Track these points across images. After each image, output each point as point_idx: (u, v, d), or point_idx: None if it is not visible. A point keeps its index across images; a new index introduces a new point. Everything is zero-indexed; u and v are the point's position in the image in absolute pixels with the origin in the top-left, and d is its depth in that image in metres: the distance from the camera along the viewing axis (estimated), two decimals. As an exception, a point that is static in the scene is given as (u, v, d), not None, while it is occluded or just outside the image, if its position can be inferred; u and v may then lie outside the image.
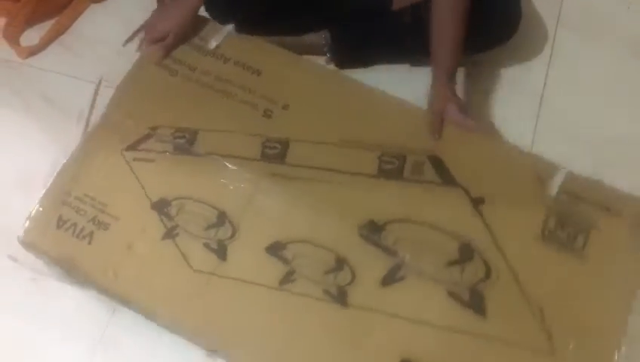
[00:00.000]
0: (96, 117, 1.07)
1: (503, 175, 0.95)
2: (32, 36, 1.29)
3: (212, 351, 0.93)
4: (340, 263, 0.90)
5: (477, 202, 0.92)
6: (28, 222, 0.96)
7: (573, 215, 0.91)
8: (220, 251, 0.92)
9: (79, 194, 0.96)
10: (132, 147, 0.99)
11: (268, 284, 0.90)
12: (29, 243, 0.96)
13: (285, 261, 0.91)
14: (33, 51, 1.27)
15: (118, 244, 0.94)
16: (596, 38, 1.24)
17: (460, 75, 1.12)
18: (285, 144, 0.98)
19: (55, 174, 0.98)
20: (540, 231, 0.90)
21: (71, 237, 0.94)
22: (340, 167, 0.95)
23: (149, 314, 0.94)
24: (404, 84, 1.07)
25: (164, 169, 0.97)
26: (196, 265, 0.92)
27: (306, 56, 1.10)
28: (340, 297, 0.89)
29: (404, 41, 1.15)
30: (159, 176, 0.97)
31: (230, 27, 1.08)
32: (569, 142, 1.14)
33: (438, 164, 0.96)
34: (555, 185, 0.93)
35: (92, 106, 1.15)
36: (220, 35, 1.07)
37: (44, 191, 0.96)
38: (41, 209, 0.96)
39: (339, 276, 0.90)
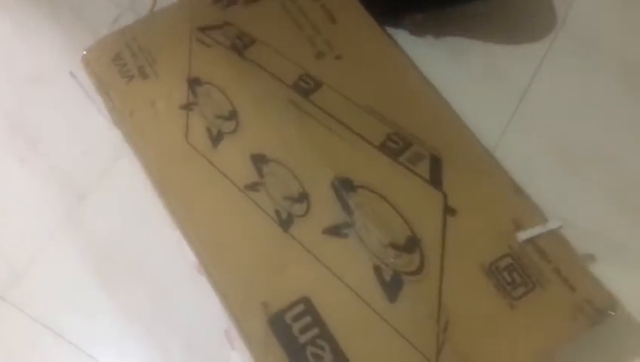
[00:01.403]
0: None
1: (487, 203, 0.96)
2: None
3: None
4: (302, 197, 0.96)
5: (448, 211, 0.94)
6: (94, 44, 1.11)
7: (529, 266, 0.90)
8: (216, 139, 1.02)
9: (141, 43, 1.10)
10: (202, 29, 1.11)
11: (236, 183, 0.98)
12: (87, 61, 1.11)
13: (260, 173, 0.98)
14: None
15: (146, 95, 1.06)
16: (592, 52, 1.22)
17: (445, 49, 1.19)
18: (319, 85, 1.05)
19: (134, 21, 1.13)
20: (489, 263, 0.90)
21: (116, 73, 1.09)
22: (352, 125, 1.01)
23: (141, 163, 1.05)
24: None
25: (213, 57, 1.08)
26: (191, 141, 1.02)
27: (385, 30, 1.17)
28: (286, 223, 0.95)
29: None
30: (206, 59, 1.08)
31: None
32: (538, 144, 1.14)
33: (435, 164, 0.98)
34: (528, 234, 0.92)
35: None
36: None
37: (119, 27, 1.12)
38: (109, 38, 1.12)
39: (295, 206, 0.95)
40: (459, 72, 1.22)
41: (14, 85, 1.27)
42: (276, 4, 1.14)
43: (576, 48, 1.24)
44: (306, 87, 1.05)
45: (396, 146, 0.99)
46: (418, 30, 1.25)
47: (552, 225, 0.93)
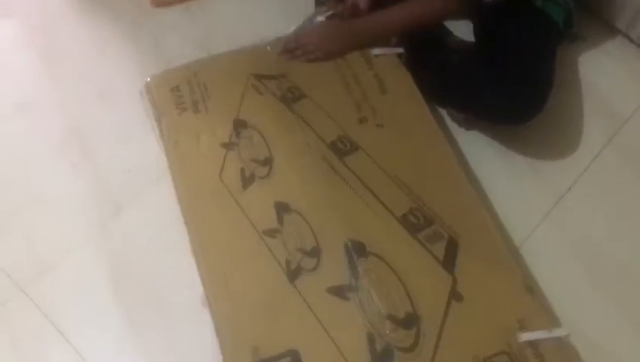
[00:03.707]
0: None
1: (495, 296, 0.95)
2: None
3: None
4: (315, 252, 0.98)
5: (455, 296, 0.94)
6: (159, 73, 1.20)
7: (525, 369, 0.88)
8: (247, 181, 1.07)
9: (201, 79, 1.18)
10: (259, 77, 1.18)
11: (256, 226, 1.02)
12: (148, 87, 1.20)
13: (280, 221, 1.02)
14: (162, 4, 1.48)
15: (193, 128, 1.13)
16: (635, 172, 1.22)
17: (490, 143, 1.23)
18: (355, 148, 1.08)
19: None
20: (483, 358, 0.89)
21: (172, 103, 1.16)
22: (378, 192, 1.03)
23: (175, 191, 1.11)
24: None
25: (262, 104, 1.14)
26: (224, 178, 1.07)
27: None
28: (294, 274, 0.97)
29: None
30: (256, 106, 1.14)
31: (399, 50, 1.22)
32: (566, 248, 1.13)
33: (452, 247, 0.99)
34: (531, 336, 0.91)
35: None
36: (385, 50, 1.22)
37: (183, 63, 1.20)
38: (173, 70, 1.20)
39: (306, 259, 0.98)
40: (502, 166, 1.24)
41: (82, 94, 1.37)
42: (333, 66, 1.20)
43: (619, 166, 1.24)
44: (343, 148, 1.08)
45: (417, 222, 1.01)
46: (463, 123, 1.27)
47: (557, 332, 0.91)
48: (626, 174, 1.23)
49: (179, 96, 1.16)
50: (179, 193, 1.09)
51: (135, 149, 1.26)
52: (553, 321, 0.96)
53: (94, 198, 1.22)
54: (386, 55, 1.22)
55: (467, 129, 1.29)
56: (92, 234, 1.18)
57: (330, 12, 1.27)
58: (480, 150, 1.25)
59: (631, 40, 1.40)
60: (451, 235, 0.99)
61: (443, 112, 1.30)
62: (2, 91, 1.38)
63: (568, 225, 1.17)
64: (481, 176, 1.21)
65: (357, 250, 0.97)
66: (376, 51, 1.21)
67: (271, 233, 1.01)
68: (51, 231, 1.18)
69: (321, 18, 1.28)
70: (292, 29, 1.32)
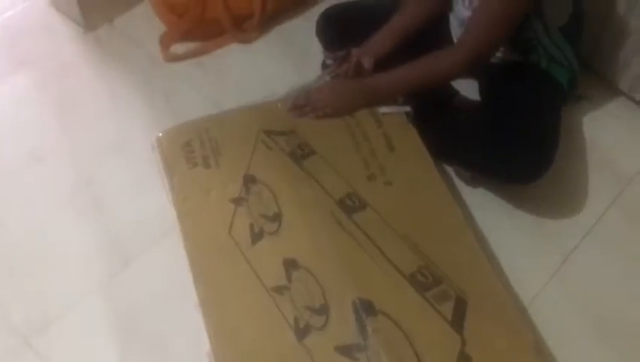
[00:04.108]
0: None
1: (506, 358, 0.95)
2: (180, 48, 1.56)
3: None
4: (323, 309, 0.98)
5: (464, 357, 0.93)
6: (171, 128, 1.22)
7: None
8: (256, 237, 1.07)
9: (212, 135, 1.20)
10: (268, 133, 1.20)
11: (265, 283, 1.02)
12: (160, 142, 1.22)
13: (289, 278, 1.02)
14: (175, 58, 1.53)
15: (203, 183, 1.14)
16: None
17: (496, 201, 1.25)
18: (363, 205, 1.09)
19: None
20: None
21: (182, 158, 1.18)
22: (386, 250, 1.04)
23: (184, 245, 1.12)
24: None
25: (272, 160, 1.16)
26: (233, 233, 1.08)
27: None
28: (302, 332, 0.97)
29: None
30: (266, 161, 1.16)
31: (407, 108, 1.24)
32: (575, 307, 1.13)
33: (460, 307, 0.98)
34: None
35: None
36: (393, 109, 1.24)
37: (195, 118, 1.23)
38: (185, 126, 1.22)
39: (314, 317, 0.97)
40: (509, 224, 1.25)
41: (94, 146, 1.39)
42: (341, 123, 1.22)
43: (625, 226, 1.25)
44: (351, 205, 1.09)
45: (425, 281, 1.01)
46: (470, 182, 1.29)
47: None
48: (632, 234, 1.24)
49: (190, 151, 1.18)
50: (188, 247, 1.10)
51: (145, 202, 1.28)
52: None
53: (103, 250, 1.22)
54: (394, 113, 1.24)
55: (474, 187, 1.30)
56: (100, 288, 1.17)
57: (336, 72, 1.30)
58: (487, 208, 1.26)
59: (634, 101, 1.43)
60: (459, 295, 0.99)
61: (450, 170, 1.31)
62: (15, 141, 1.40)
63: (576, 284, 1.17)
64: (488, 234, 1.22)
65: (365, 309, 0.96)
66: (384, 109, 1.23)
67: (279, 290, 1.01)
68: (59, 284, 1.18)
69: (327, 77, 1.31)
70: (295, 87, 1.35)
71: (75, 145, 1.39)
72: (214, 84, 1.52)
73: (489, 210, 1.26)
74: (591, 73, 1.45)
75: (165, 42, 1.55)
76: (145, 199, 1.28)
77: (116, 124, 1.42)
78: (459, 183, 1.31)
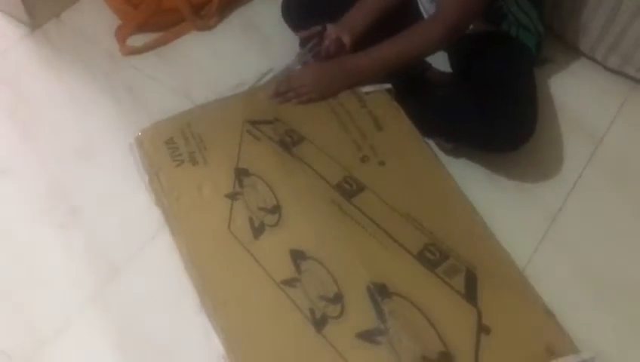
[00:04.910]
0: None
1: (521, 324, 0.97)
2: (137, 40, 1.48)
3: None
4: (337, 298, 0.97)
5: (483, 329, 0.94)
6: (150, 126, 1.16)
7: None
8: (258, 230, 1.04)
9: (194, 130, 1.15)
10: (254, 123, 1.16)
11: (274, 277, 0.99)
12: (140, 141, 1.16)
13: (298, 269, 1.00)
14: (134, 51, 1.45)
15: (193, 180, 1.10)
16: (620, 184, 1.29)
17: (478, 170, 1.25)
18: (361, 188, 1.08)
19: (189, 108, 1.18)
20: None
21: (168, 156, 1.13)
22: (391, 231, 1.03)
23: (180, 247, 1.07)
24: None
25: (261, 150, 1.13)
26: (234, 230, 1.05)
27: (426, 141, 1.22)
28: (320, 323, 0.95)
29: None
30: (255, 152, 1.12)
31: (388, 86, 1.23)
32: (567, 267, 1.16)
33: (471, 279, 1.00)
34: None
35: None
36: (375, 87, 1.23)
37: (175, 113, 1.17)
38: (164, 122, 1.17)
39: (330, 307, 0.96)
40: (493, 192, 1.26)
41: (61, 152, 1.31)
42: (326, 106, 1.20)
43: (604, 180, 1.29)
44: (349, 189, 1.08)
45: (433, 257, 1.01)
46: (452, 152, 1.30)
47: (585, 354, 0.93)
48: (611, 191, 1.28)
49: (174, 148, 1.13)
50: (184, 249, 1.06)
51: (125, 206, 1.21)
52: (573, 344, 0.97)
53: (88, 262, 1.16)
54: (377, 91, 1.22)
55: (455, 157, 1.31)
56: (90, 303, 1.11)
57: (316, 50, 1.27)
58: (470, 177, 1.27)
59: (596, 61, 1.47)
60: (468, 267, 1.00)
61: (430, 141, 1.32)
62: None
63: (566, 245, 1.20)
64: (474, 203, 1.23)
65: (380, 292, 0.96)
66: (366, 88, 1.22)
67: (290, 282, 0.99)
68: (47, 304, 1.10)
69: (309, 55, 1.28)
70: (275, 70, 1.32)
71: (40, 154, 1.30)
72: (179, 75, 1.45)
73: (472, 179, 1.27)
74: (552, 36, 1.48)
75: (121, 35, 1.47)
76: (124, 203, 1.22)
77: (81, 126, 1.34)
78: (440, 154, 1.31)
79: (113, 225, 1.20)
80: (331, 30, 1.25)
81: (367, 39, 1.26)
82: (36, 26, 1.50)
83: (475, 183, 1.26)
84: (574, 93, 1.44)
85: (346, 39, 1.24)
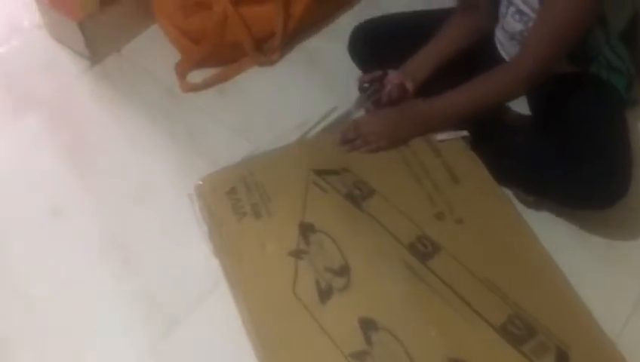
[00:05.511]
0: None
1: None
2: (197, 75, 1.43)
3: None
4: (412, 377, 0.88)
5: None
6: (211, 174, 1.10)
7: None
8: (325, 294, 0.96)
9: (257, 179, 1.08)
10: (320, 173, 1.09)
11: (342, 348, 0.91)
12: (201, 191, 1.10)
13: (369, 341, 0.91)
14: (194, 88, 1.40)
15: (256, 236, 1.03)
16: None
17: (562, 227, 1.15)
18: (437, 249, 0.99)
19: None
20: None
21: (229, 208, 1.06)
22: (470, 300, 0.94)
23: (241, 309, 1.01)
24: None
25: (329, 204, 1.05)
26: (298, 292, 0.97)
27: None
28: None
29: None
30: (321, 206, 1.05)
31: (464, 133, 1.14)
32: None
33: (563, 359, 0.89)
34: None
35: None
36: (450, 134, 1.14)
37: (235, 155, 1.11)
38: (225, 171, 1.10)
39: (403, 387, 0.87)
40: (581, 251, 1.15)
41: (117, 195, 1.26)
42: (397, 155, 1.11)
43: None
44: (424, 250, 0.99)
45: (518, 332, 0.91)
46: (533, 205, 1.19)
47: None
48: None
49: (236, 199, 1.06)
50: (245, 313, 0.99)
51: (182, 257, 1.16)
52: None
53: (144, 314, 1.10)
54: (451, 139, 1.13)
55: (537, 210, 1.21)
56: (147, 356, 1.05)
57: (377, 96, 1.19)
58: (553, 233, 1.16)
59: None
60: (560, 346, 0.90)
61: (508, 192, 1.21)
62: (29, 195, 1.27)
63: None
64: (558, 263, 1.12)
65: (458, 371, 0.87)
66: (440, 136, 1.13)
67: (360, 356, 0.90)
68: (101, 358, 1.05)
69: (368, 102, 1.20)
70: (337, 118, 1.25)
71: (95, 196, 1.26)
72: (239, 113, 1.40)
73: (555, 234, 1.16)
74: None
75: (181, 71, 1.43)
76: (181, 253, 1.16)
77: (138, 168, 1.29)
78: (519, 206, 1.20)
79: (170, 277, 1.14)
80: (394, 75, 1.18)
81: (432, 84, 1.18)
82: (96, 60, 1.47)
83: (559, 239, 1.15)
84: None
85: (409, 85, 1.17)
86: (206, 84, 1.43)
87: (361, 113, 1.22)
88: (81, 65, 1.47)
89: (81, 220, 1.22)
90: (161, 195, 1.24)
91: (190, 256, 1.14)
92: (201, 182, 1.10)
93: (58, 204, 1.24)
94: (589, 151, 1.08)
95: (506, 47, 1.22)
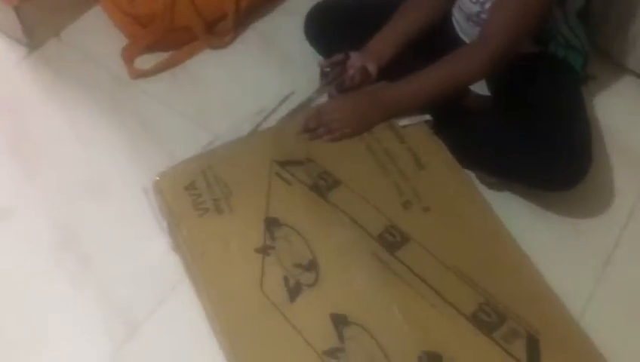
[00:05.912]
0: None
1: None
2: (146, 60, 1.36)
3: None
4: (383, 367, 0.87)
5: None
6: (169, 169, 1.05)
7: None
8: (294, 291, 0.94)
9: (218, 173, 1.04)
10: (283, 164, 1.05)
11: (315, 347, 0.89)
12: (158, 187, 1.05)
13: (341, 338, 0.90)
14: (143, 74, 1.33)
15: (219, 233, 0.99)
16: None
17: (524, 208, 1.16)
18: (406, 239, 0.98)
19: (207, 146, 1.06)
20: None
21: (189, 204, 1.01)
22: (441, 289, 0.93)
23: (206, 309, 0.97)
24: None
25: (293, 196, 1.02)
26: (267, 290, 0.94)
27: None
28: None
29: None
30: (286, 199, 1.01)
31: (427, 117, 1.12)
32: (629, 317, 1.06)
33: (533, 345, 0.90)
34: None
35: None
36: (413, 119, 1.11)
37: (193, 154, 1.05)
38: (184, 165, 1.05)
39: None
40: (542, 230, 1.16)
41: (67, 191, 1.19)
42: (361, 143, 1.09)
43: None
44: (392, 240, 0.98)
45: (489, 319, 0.91)
46: (494, 186, 1.19)
47: None
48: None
49: (196, 195, 1.02)
50: (211, 314, 0.96)
51: (140, 254, 1.11)
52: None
53: (104, 318, 1.05)
54: (414, 124, 1.11)
55: (499, 190, 1.21)
56: (107, 364, 1.01)
57: (339, 80, 1.16)
58: (515, 212, 1.16)
59: (643, 79, 1.37)
60: (530, 331, 0.91)
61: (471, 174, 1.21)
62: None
63: (623, 288, 1.11)
64: (520, 242, 1.13)
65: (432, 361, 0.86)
66: (403, 121, 1.11)
67: (333, 354, 0.89)
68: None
69: (330, 87, 1.17)
70: (296, 106, 1.20)
71: (44, 193, 1.19)
72: (193, 100, 1.34)
73: (518, 215, 1.16)
74: (596, 51, 1.36)
75: (129, 56, 1.35)
76: (139, 250, 1.12)
77: (88, 163, 1.22)
78: (482, 188, 1.20)
79: (129, 275, 1.10)
80: (356, 58, 1.14)
81: (394, 67, 1.15)
82: (35, 46, 1.37)
83: (521, 218, 1.16)
84: (621, 114, 1.34)
85: (372, 68, 1.14)
86: (156, 70, 1.35)
87: (323, 99, 1.18)
88: (19, 52, 1.37)
89: (32, 219, 1.15)
90: (115, 190, 1.18)
91: (149, 253, 1.10)
92: (158, 178, 1.05)
93: (3, 206, 1.16)
94: (548, 133, 1.08)
95: (463, 27, 1.20)
